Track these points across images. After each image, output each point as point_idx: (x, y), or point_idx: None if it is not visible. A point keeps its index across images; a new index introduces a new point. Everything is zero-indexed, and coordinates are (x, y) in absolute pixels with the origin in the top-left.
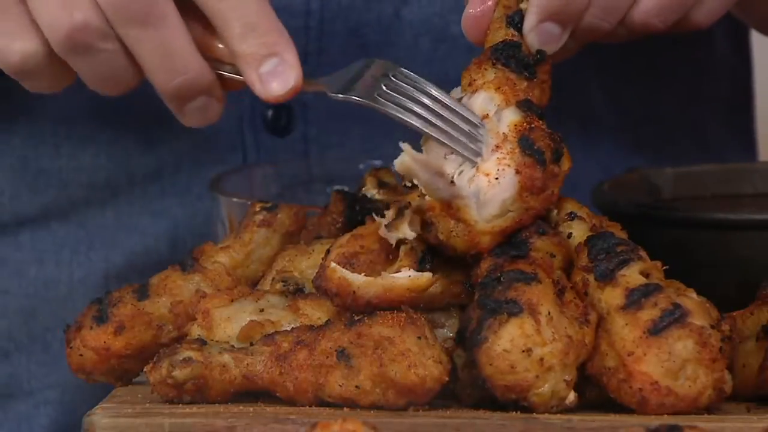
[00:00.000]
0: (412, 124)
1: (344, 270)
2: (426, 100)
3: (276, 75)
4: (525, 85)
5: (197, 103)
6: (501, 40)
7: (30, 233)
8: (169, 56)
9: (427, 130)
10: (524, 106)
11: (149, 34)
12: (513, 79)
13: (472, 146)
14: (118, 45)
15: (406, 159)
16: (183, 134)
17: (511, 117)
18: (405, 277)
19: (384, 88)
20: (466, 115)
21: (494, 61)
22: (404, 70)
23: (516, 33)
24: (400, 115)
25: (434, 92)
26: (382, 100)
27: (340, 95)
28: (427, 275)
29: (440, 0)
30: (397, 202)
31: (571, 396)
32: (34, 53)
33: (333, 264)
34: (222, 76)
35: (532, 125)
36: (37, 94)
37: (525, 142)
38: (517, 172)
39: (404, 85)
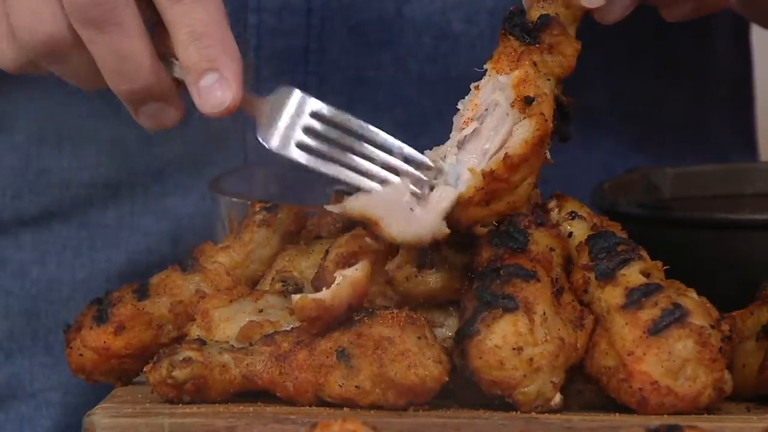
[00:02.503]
0: (328, 174)
1: (309, 295)
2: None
3: (212, 91)
4: (523, 51)
5: (150, 109)
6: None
7: (32, 233)
8: (121, 61)
9: (345, 178)
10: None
11: (103, 39)
12: (515, 46)
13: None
14: (86, 51)
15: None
16: (184, 134)
17: None
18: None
19: (303, 133)
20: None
21: (503, 32)
22: (319, 105)
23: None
24: (320, 168)
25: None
26: (299, 151)
27: (265, 143)
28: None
29: None
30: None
31: (557, 398)
32: (16, 58)
33: (300, 300)
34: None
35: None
36: (38, 93)
37: None
38: None
39: (325, 127)
